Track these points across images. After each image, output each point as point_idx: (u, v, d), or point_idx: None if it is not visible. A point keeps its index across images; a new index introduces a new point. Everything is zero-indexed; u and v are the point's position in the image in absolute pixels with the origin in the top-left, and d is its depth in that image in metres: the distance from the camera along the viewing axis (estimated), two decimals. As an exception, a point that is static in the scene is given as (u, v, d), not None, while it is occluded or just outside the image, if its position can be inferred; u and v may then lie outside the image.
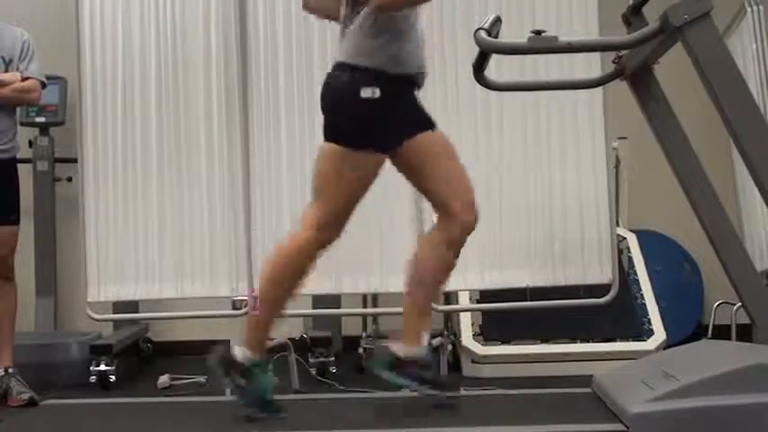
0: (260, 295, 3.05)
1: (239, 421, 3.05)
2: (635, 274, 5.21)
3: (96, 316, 4.59)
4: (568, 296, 4.37)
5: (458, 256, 3.12)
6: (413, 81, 3.05)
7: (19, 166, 4.46)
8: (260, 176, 4.45)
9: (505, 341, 4.90)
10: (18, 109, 4.49)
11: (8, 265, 4.32)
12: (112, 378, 4.90)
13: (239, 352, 3.03)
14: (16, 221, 4.33)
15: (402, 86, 3.01)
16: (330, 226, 3.01)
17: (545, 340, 4.88)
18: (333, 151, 2.98)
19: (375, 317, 5.70)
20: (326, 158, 3.00)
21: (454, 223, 3.06)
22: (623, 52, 3.23)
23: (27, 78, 4.30)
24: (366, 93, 2.91)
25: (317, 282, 4.23)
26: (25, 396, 4.12)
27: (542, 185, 4.38)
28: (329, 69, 3.05)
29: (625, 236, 5.38)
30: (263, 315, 3.05)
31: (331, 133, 2.99)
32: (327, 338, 5.05)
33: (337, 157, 2.97)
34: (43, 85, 4.40)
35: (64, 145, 5.62)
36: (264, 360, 3.07)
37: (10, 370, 4.24)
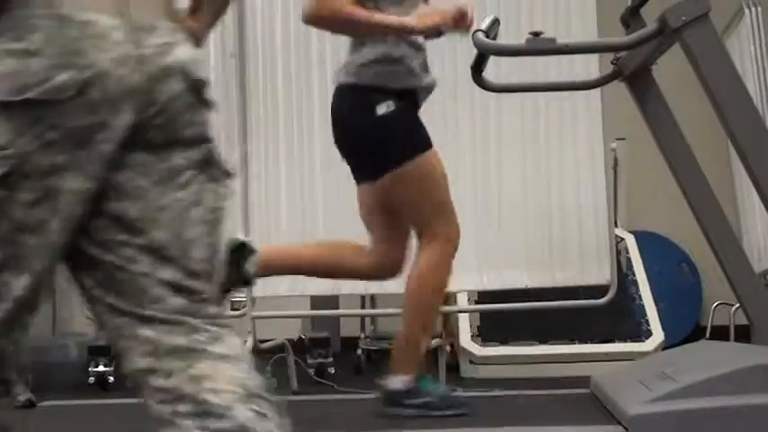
0: (412, 317, 2.99)
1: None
2: (633, 274, 5.21)
3: (94, 317, 4.58)
4: (567, 297, 4.37)
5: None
6: (416, 96, 3.02)
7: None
8: (258, 177, 4.45)
9: (504, 342, 4.90)
10: None
11: None
12: (111, 379, 4.89)
13: (398, 383, 2.98)
14: None
15: (409, 100, 2.98)
16: (451, 229, 2.99)
17: (543, 341, 4.88)
18: (397, 178, 2.93)
19: (373, 318, 5.70)
20: (396, 188, 2.95)
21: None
22: (622, 53, 3.24)
23: None
24: (381, 109, 2.90)
25: (315, 283, 4.27)
26: (22, 397, 4.10)
27: (541, 186, 4.38)
28: (333, 89, 3.03)
29: (623, 237, 5.38)
30: (417, 334, 3.00)
31: (378, 168, 2.94)
32: (326, 339, 5.04)
33: (404, 178, 2.93)
34: None
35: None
36: (420, 371, 3.02)
37: None
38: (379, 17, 2.85)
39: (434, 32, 2.91)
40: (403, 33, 2.90)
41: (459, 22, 2.89)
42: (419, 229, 3.01)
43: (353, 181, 3.13)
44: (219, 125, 4.46)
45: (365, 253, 3.11)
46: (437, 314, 3.09)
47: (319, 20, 2.93)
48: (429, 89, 3.07)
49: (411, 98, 3.00)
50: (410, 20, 2.87)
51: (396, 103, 2.90)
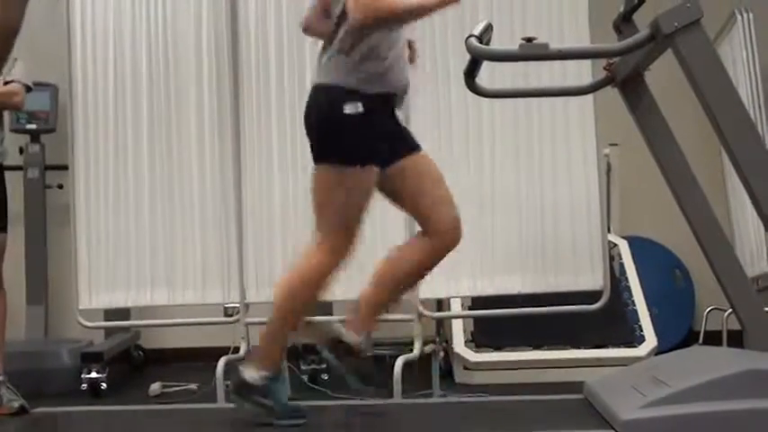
0: (275, 313, 3.02)
1: (230, 427, 3.05)
2: (626, 280, 5.22)
3: (87, 323, 4.58)
4: (560, 303, 4.37)
5: (432, 268, 3.10)
6: (390, 100, 3.02)
7: (9, 173, 4.43)
8: (251, 183, 4.45)
9: (497, 348, 4.91)
10: (7, 115, 4.36)
11: None
12: (104, 386, 4.89)
13: (250, 375, 3.00)
14: (3, 229, 4.26)
15: (381, 105, 2.98)
16: (343, 246, 3.00)
17: (537, 347, 4.89)
18: (328, 174, 2.96)
19: (367, 324, 5.69)
20: (323, 182, 2.99)
21: (440, 239, 3.05)
22: (614, 59, 3.24)
23: (9, 82, 4.13)
24: (349, 108, 2.90)
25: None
26: (15, 404, 4.09)
27: (534, 192, 4.38)
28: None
29: (616, 242, 5.40)
30: (277, 331, 3.03)
31: (322, 154, 2.98)
32: (319, 345, 5.04)
33: (334, 178, 2.95)
34: (28, 89, 4.22)
35: (55, 152, 5.61)
36: (278, 372, 3.04)
37: (1, 378, 4.20)
38: (412, 4, 2.88)
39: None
40: (433, 11, 2.91)
41: None
42: (315, 231, 3.03)
43: None
44: (212, 132, 4.49)
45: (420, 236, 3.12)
46: (301, 317, 3.07)
47: (367, 25, 2.91)
48: (404, 92, 3.08)
49: (386, 104, 3.00)
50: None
51: (365, 107, 2.91)
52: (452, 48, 4.32)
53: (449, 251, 3.06)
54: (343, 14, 2.92)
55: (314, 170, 3.00)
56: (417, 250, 3.06)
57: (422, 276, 3.13)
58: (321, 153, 2.97)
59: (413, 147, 3.12)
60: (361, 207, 2.99)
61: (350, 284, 4.37)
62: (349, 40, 2.92)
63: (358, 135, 2.93)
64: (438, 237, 3.04)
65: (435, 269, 3.11)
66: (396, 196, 3.11)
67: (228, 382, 3.12)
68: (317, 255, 2.99)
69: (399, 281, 3.09)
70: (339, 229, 2.98)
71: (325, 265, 2.99)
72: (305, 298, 3.02)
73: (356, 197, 2.97)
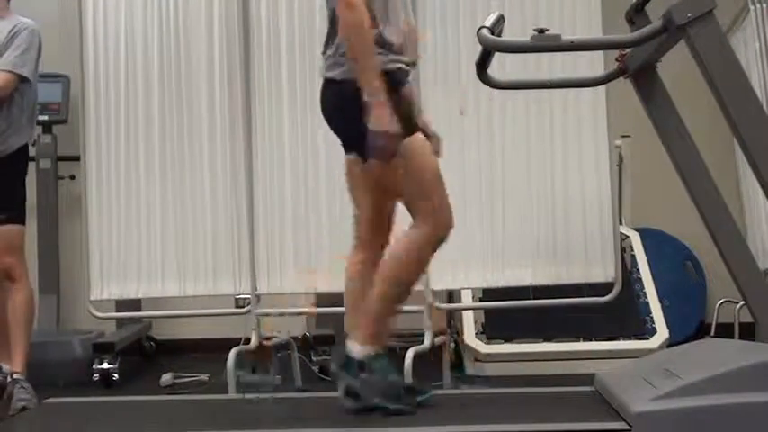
0: (382, 294, 3.00)
1: (242, 419, 3.06)
2: (638, 272, 5.20)
3: (99, 314, 4.59)
4: (571, 294, 4.37)
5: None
6: (398, 78, 3.01)
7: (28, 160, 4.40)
8: (263, 175, 4.46)
9: (508, 339, 4.90)
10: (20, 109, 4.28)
11: (5, 265, 4.21)
12: (115, 376, 4.91)
13: (357, 350, 2.99)
14: (6, 221, 4.18)
15: (394, 85, 2.99)
16: (445, 212, 3.00)
17: (548, 339, 4.88)
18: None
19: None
20: (388, 171, 2.97)
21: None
22: (626, 50, 3.23)
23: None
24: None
25: (319, 280, 4.28)
26: (19, 405, 4.04)
27: (545, 184, 4.38)
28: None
29: (628, 234, 5.38)
30: (385, 312, 3.01)
31: (362, 142, 2.94)
32: (330, 336, 5.05)
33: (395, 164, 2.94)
34: (22, 79, 4.18)
35: (67, 143, 5.62)
36: (386, 353, 3.03)
37: (15, 376, 4.15)
38: (370, 63, 2.87)
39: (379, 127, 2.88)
40: (365, 80, 2.88)
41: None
42: (410, 211, 3.03)
43: None
44: (224, 123, 4.49)
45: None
46: (407, 293, 3.07)
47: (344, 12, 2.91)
48: (410, 67, 3.08)
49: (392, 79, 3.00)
50: (377, 91, 2.87)
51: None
52: (464, 39, 4.30)
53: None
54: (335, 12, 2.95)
55: (368, 164, 2.98)
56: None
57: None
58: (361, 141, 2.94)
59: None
60: (437, 170, 3.00)
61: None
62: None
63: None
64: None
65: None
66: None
67: (240, 373, 3.11)
68: (422, 229, 2.96)
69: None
70: (432, 196, 2.98)
71: (433, 238, 2.98)
72: (413, 276, 3.02)
73: (429, 160, 2.99)
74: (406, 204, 3.04)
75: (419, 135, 3.01)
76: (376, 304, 3.01)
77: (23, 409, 3.99)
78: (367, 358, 2.97)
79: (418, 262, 3.02)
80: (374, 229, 3.14)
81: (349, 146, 3.08)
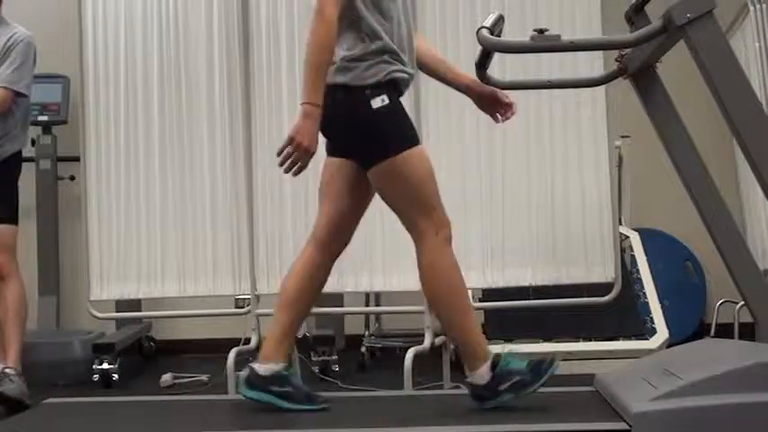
0: (450, 321, 3.02)
1: (242, 419, 3.06)
2: (638, 272, 5.21)
3: (99, 314, 4.60)
4: (571, 295, 4.37)
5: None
6: (400, 87, 3.03)
7: (21, 164, 4.45)
8: (262, 175, 4.46)
9: (508, 340, 4.90)
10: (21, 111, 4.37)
11: None
12: (115, 377, 4.91)
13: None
14: None
15: (398, 94, 3.01)
16: (442, 217, 2.98)
17: (547, 339, 4.88)
18: (385, 171, 2.94)
19: (377, 315, 5.71)
20: (386, 181, 2.97)
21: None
22: (626, 51, 3.23)
23: None
24: (377, 103, 2.91)
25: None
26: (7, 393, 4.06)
27: (545, 184, 4.38)
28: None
29: (628, 234, 5.38)
30: (460, 323, 3.01)
31: (369, 155, 2.95)
32: (330, 337, 5.06)
33: (393, 172, 2.94)
34: (18, 94, 4.26)
35: (67, 143, 5.63)
36: (491, 354, 3.04)
37: (7, 370, 4.17)
38: (318, 74, 2.89)
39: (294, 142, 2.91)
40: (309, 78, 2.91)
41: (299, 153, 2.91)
42: (406, 226, 3.02)
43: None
44: (224, 123, 4.49)
45: (307, 252, 3.11)
46: (466, 302, 3.07)
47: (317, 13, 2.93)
48: (410, 78, 3.08)
49: (397, 91, 3.01)
50: (316, 105, 2.87)
51: (389, 97, 2.93)
52: (463, 39, 4.31)
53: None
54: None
55: (372, 172, 2.97)
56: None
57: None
58: (371, 154, 2.95)
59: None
60: (433, 182, 2.98)
61: (358, 278, 4.45)
62: (347, 40, 2.95)
63: (396, 123, 2.94)
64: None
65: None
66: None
67: (241, 373, 3.11)
68: (430, 243, 2.96)
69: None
70: (429, 205, 2.96)
71: (442, 244, 2.96)
72: (455, 284, 2.99)
73: (426, 172, 2.97)
74: (402, 214, 3.01)
75: (420, 149, 2.99)
76: (456, 335, 3.04)
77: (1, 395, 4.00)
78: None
79: (449, 269, 2.99)
80: (335, 234, 3.11)
81: (342, 152, 3.07)
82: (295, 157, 2.90)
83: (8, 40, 4.26)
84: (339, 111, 2.95)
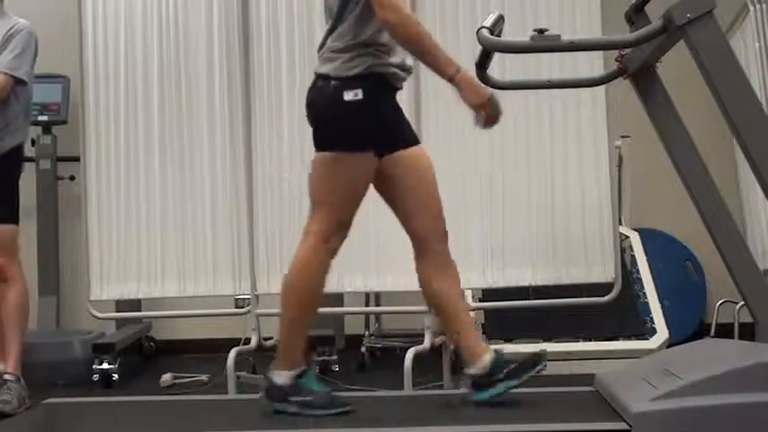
0: (286, 317, 3.06)
1: (242, 419, 3.06)
2: (638, 272, 5.20)
3: (99, 314, 4.59)
4: (571, 295, 4.37)
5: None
6: (390, 83, 3.03)
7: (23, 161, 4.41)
8: (262, 175, 4.46)
9: (508, 340, 4.89)
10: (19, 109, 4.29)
11: None
12: (115, 376, 4.91)
13: (280, 378, 3.04)
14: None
15: (383, 88, 3.01)
16: (336, 232, 3.02)
17: (547, 339, 4.87)
18: (327, 159, 3.00)
19: (377, 315, 5.71)
20: (322, 167, 3.02)
21: (431, 248, 3.05)
22: (626, 51, 3.23)
23: None
24: (349, 95, 2.93)
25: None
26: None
27: (545, 184, 4.38)
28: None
29: (628, 234, 5.38)
30: (291, 334, 3.06)
31: (322, 141, 3.02)
32: (330, 337, 5.06)
33: (332, 163, 2.99)
34: (18, 82, 4.20)
35: (67, 143, 5.63)
36: (305, 367, 3.09)
37: (6, 376, 4.12)
38: (431, 49, 2.94)
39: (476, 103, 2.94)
40: (434, 64, 2.95)
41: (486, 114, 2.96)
42: (310, 216, 3.06)
43: None
44: (224, 123, 4.49)
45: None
46: (312, 311, 3.12)
47: (394, 32, 2.93)
48: (404, 76, 3.09)
49: (388, 88, 3.02)
50: (453, 69, 2.92)
51: (365, 94, 2.94)
52: (464, 39, 4.30)
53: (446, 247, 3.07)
54: (344, 7, 2.95)
55: (315, 155, 3.03)
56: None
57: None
58: (323, 140, 3.01)
59: (413, 140, 3.14)
60: (358, 196, 3.02)
61: (357, 278, 4.44)
62: (349, 32, 2.95)
63: (358, 122, 2.96)
64: (428, 246, 3.05)
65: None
66: (385, 188, 3.12)
67: (243, 373, 3.12)
68: (311, 243, 3.01)
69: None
70: (334, 214, 3.01)
71: (321, 252, 3.01)
72: (309, 294, 3.04)
73: (354, 185, 3.01)
74: (313, 206, 3.04)
75: (368, 157, 3.00)
76: (285, 333, 3.07)
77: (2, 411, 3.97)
78: None
79: (317, 273, 3.04)
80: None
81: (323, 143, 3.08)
82: (488, 115, 2.97)
83: (9, 29, 4.24)
84: (317, 98, 3.01)
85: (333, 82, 2.96)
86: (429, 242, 3.08)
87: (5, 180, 4.25)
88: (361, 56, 2.96)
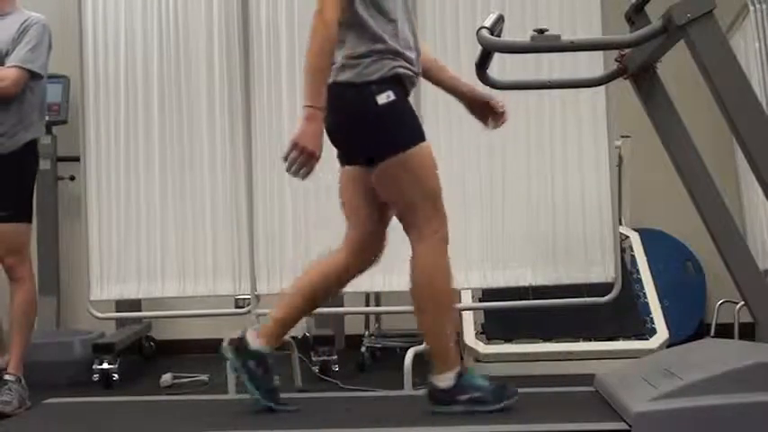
0: (430, 324, 3.01)
1: (242, 419, 3.06)
2: (638, 272, 5.21)
3: (99, 314, 4.59)
4: (571, 295, 4.37)
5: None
6: (406, 86, 3.01)
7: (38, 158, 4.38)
8: (262, 175, 4.45)
9: (508, 340, 4.90)
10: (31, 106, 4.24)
11: (7, 265, 4.20)
12: (115, 377, 4.91)
13: (443, 382, 3.00)
14: (8, 218, 4.14)
15: (404, 91, 2.99)
16: (442, 223, 2.98)
17: (547, 339, 4.88)
18: (392, 167, 2.93)
19: (377, 315, 5.71)
20: (393, 178, 2.95)
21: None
22: (626, 51, 3.23)
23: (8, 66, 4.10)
24: (382, 99, 2.89)
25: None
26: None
27: (545, 184, 4.38)
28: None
29: (628, 234, 5.38)
30: (441, 337, 3.02)
31: (374, 153, 2.94)
32: (330, 337, 5.05)
33: (402, 167, 2.92)
34: (34, 75, 4.17)
35: (67, 143, 5.62)
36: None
37: (7, 377, 4.11)
38: (320, 77, 2.87)
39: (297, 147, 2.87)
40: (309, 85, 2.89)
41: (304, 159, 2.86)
42: (406, 224, 3.02)
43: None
44: (224, 124, 4.49)
45: (340, 255, 3.12)
46: (453, 308, 3.12)
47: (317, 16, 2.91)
48: (415, 76, 3.07)
49: (403, 87, 3.00)
50: (319, 107, 2.85)
51: (395, 93, 2.91)
52: (464, 39, 4.31)
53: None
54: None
55: (376, 171, 2.96)
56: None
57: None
58: (376, 152, 2.94)
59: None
60: (438, 180, 2.97)
61: (358, 278, 4.43)
62: (350, 41, 2.94)
63: (401, 118, 2.93)
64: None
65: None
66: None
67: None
68: (426, 242, 2.96)
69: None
70: (432, 206, 2.96)
71: (439, 242, 2.96)
72: (446, 287, 3.01)
73: (431, 171, 2.96)
74: (404, 212, 3.00)
75: (427, 145, 2.98)
76: (433, 339, 3.03)
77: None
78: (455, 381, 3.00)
79: (443, 272, 2.99)
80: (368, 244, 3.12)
81: (350, 155, 3.06)
82: (300, 161, 2.86)
83: (23, 23, 4.20)
84: (344, 109, 2.94)
85: (361, 88, 2.91)
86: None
87: (18, 177, 4.20)
88: (382, 59, 2.93)
